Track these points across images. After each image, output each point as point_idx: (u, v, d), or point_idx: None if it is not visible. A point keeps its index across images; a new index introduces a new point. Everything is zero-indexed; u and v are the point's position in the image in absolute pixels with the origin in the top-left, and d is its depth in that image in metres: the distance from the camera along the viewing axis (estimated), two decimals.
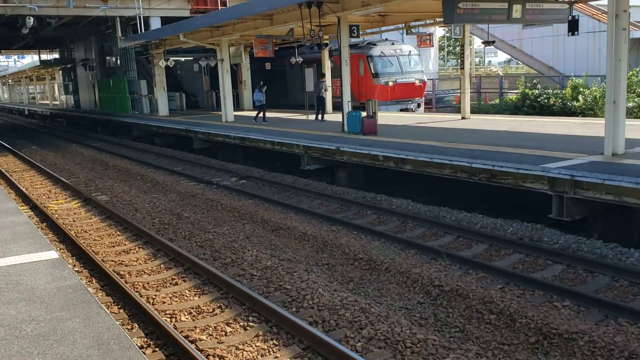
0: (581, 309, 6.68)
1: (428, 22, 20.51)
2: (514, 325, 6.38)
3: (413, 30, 21.11)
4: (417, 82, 25.05)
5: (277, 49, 22.72)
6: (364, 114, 16.44)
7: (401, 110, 24.39)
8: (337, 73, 22.54)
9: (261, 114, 21.83)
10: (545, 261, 8.25)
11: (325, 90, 21.67)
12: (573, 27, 14.76)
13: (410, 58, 25.24)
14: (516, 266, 8.22)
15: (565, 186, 9.24)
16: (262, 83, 22.70)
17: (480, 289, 7.28)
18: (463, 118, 18.91)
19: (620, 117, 10.42)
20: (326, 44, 19.71)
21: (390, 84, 24.21)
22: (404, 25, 20.91)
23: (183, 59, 32.78)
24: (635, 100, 20.69)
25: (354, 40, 20.12)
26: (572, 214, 9.32)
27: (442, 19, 15.62)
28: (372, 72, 24.19)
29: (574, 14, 14.86)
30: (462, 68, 18.68)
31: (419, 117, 20.82)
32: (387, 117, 20.62)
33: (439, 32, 34.69)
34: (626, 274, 7.50)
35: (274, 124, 20.62)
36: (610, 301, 6.76)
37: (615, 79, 10.26)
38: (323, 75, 22.52)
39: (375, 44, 24.89)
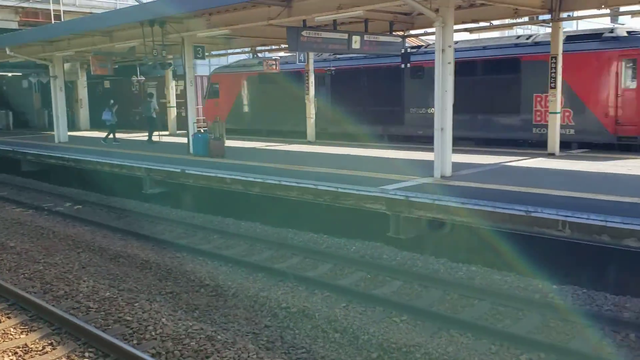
0: (417, 322, 7.09)
1: (274, 47, 20.94)
2: (357, 342, 6.59)
3: (259, 54, 21.42)
4: None
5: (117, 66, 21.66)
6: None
7: None
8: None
9: (111, 135, 20.69)
10: (385, 278, 8.67)
11: (155, 110, 20.81)
12: (405, 59, 15.98)
13: None
14: (358, 284, 8.54)
15: (400, 206, 9.85)
16: (112, 102, 21.51)
17: (325, 308, 7.45)
18: (309, 142, 19.46)
19: (447, 142, 11.39)
20: (170, 64, 19.25)
21: None
22: (250, 49, 21.17)
23: (10, 74, 30.09)
24: None
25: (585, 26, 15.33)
26: (407, 232, 9.94)
27: (287, 45, 16.00)
28: None
29: (406, 46, 16.09)
30: (308, 94, 19.26)
31: (265, 140, 21.04)
32: (232, 140, 20.55)
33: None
34: (456, 287, 8.12)
35: (120, 146, 19.60)
36: (442, 314, 7.26)
37: (442, 108, 11.22)
38: (151, 95, 21.88)
39: None
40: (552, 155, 14.21)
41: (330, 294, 8.04)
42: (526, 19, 15.89)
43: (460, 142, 16.34)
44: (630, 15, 14.57)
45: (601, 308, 7.28)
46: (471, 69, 16.91)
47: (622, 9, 13.88)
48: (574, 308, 7.23)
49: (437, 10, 11.03)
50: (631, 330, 6.54)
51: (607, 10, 13.90)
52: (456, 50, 16.05)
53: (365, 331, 6.71)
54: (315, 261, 9.56)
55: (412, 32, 16.85)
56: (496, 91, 16.68)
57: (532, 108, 16.00)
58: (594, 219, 7.89)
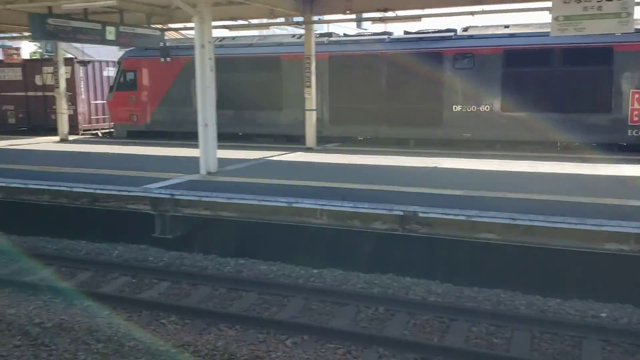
0: (186, 321, 6.98)
1: (15, 35, 18.73)
2: (122, 350, 6.25)
3: None
4: None
5: None
6: None
7: None
8: None
9: None
10: (151, 280, 8.37)
11: None
12: (165, 52, 15.63)
13: None
14: (123, 289, 8.12)
15: (166, 205, 9.59)
16: None
17: (86, 319, 6.92)
18: (62, 140, 17.92)
19: (211, 138, 11.41)
20: None
21: None
22: None
23: None
24: None
25: None
26: (174, 231, 9.73)
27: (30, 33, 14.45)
28: None
29: (165, 40, 15.74)
30: (58, 87, 17.69)
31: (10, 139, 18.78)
32: None
33: (30, 46, 31.83)
34: (224, 282, 8.18)
35: None
36: (211, 310, 7.26)
37: (205, 104, 11.19)
38: None
39: None
40: (310, 149, 15.17)
41: (91, 304, 7.49)
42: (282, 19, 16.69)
43: (522, 146, 14.37)
44: (371, 22, 16.30)
45: (355, 286, 7.98)
46: (538, 59, 14.27)
47: (365, 15, 15.43)
48: (332, 288, 7.82)
49: (195, 6, 10.95)
50: (380, 304, 7.29)
51: (353, 16, 15.31)
52: (513, 36, 14.58)
53: (131, 337, 6.39)
54: (73, 270, 8.83)
55: (172, 25, 16.51)
56: (574, 85, 14.17)
57: (628, 106, 13.82)
58: (346, 207, 8.62)
